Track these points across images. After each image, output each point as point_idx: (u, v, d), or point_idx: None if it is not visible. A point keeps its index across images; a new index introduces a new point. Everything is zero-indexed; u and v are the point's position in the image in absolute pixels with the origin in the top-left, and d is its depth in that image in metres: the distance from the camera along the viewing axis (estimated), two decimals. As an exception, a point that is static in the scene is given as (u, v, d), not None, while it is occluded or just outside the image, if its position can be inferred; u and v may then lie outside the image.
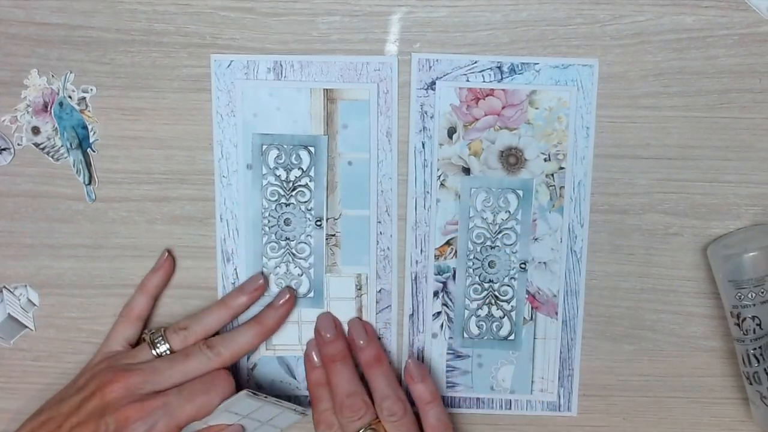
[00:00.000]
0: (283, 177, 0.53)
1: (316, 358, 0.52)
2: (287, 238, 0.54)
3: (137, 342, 0.53)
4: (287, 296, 0.53)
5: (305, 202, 0.53)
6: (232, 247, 0.54)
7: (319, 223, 0.53)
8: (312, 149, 0.53)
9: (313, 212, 0.53)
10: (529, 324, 0.55)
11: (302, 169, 0.53)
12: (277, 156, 0.53)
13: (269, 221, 0.53)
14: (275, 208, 0.53)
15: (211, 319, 0.51)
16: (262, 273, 0.54)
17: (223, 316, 0.52)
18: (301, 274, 0.54)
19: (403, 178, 0.53)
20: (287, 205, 0.53)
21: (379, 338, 0.54)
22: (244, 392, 0.49)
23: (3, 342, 0.55)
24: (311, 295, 0.54)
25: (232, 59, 0.52)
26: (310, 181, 0.53)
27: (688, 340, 0.55)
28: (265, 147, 0.53)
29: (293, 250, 0.54)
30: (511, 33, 0.52)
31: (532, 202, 0.53)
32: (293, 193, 0.53)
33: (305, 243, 0.54)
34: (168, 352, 0.50)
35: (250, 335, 0.51)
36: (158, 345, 0.50)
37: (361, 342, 0.52)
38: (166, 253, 0.53)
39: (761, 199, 0.53)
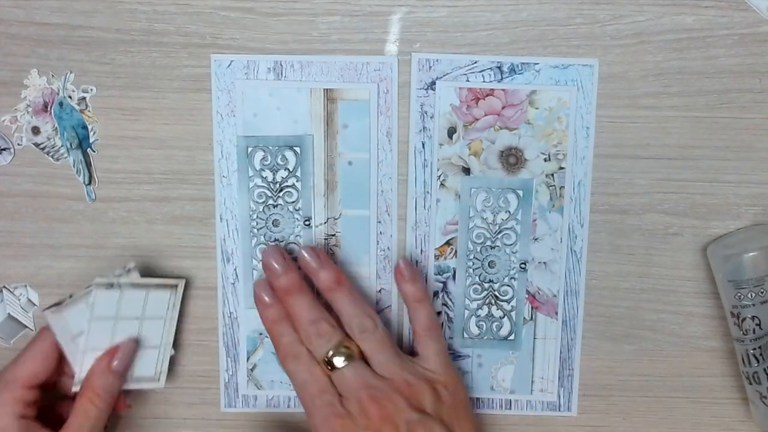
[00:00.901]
0: (270, 178, 0.53)
1: (267, 297, 0.49)
2: (276, 240, 0.54)
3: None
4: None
5: (293, 202, 0.53)
6: (232, 247, 0.54)
7: (307, 222, 0.53)
8: (297, 149, 0.53)
9: (301, 212, 0.53)
10: (529, 324, 0.55)
11: (288, 169, 0.53)
12: (263, 158, 0.53)
13: (257, 223, 0.53)
14: (263, 210, 0.53)
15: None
16: None
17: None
18: None
19: (403, 178, 0.53)
20: (275, 206, 0.53)
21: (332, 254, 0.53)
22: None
23: (3, 342, 0.55)
24: None
25: (232, 59, 0.52)
26: (296, 181, 0.53)
27: (688, 340, 0.55)
28: (250, 149, 0.53)
29: None
30: (511, 33, 0.52)
31: (532, 202, 0.53)
32: (280, 194, 0.53)
33: (294, 243, 0.54)
34: None
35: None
36: None
37: (315, 266, 0.49)
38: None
39: (761, 199, 0.53)
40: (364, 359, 0.48)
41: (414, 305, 0.50)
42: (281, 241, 0.53)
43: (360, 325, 0.48)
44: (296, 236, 0.54)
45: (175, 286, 0.52)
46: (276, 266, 0.49)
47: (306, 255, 0.50)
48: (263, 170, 0.53)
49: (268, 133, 0.53)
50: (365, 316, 0.49)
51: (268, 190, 0.53)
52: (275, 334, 0.49)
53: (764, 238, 0.51)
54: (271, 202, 0.53)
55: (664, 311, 0.55)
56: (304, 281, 0.50)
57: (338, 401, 0.47)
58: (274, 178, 0.53)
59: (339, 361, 0.47)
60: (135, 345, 0.50)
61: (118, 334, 0.50)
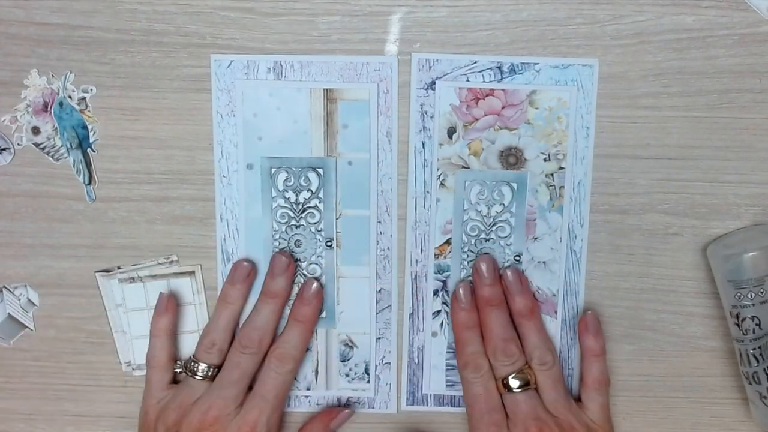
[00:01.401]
0: (293, 199, 0.53)
1: (466, 301, 0.52)
2: (298, 260, 0.54)
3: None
4: (314, 288, 0.52)
5: (315, 223, 0.53)
6: (232, 247, 0.54)
7: (329, 243, 0.53)
8: (320, 171, 0.53)
9: (323, 233, 0.53)
10: (529, 324, 0.55)
11: (311, 190, 0.53)
12: (286, 179, 0.53)
13: (280, 243, 0.53)
14: (285, 230, 0.53)
15: (222, 320, 0.51)
16: (245, 260, 0.53)
17: (231, 313, 0.52)
18: None
19: (403, 178, 0.53)
20: (297, 226, 0.53)
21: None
22: None
23: (3, 342, 0.55)
24: (323, 315, 0.54)
25: (232, 59, 0.52)
26: (319, 202, 0.53)
27: (688, 340, 0.55)
28: (274, 170, 0.53)
29: (304, 272, 0.54)
30: (511, 33, 0.52)
31: (526, 194, 0.53)
32: (303, 214, 0.53)
33: (316, 264, 0.54)
34: (209, 370, 0.51)
35: (297, 334, 0.51)
36: (197, 371, 0.51)
37: (516, 289, 0.52)
38: (166, 297, 0.53)
39: (761, 199, 0.53)
40: (536, 390, 0.51)
41: (591, 359, 0.52)
42: (302, 262, 0.54)
43: (541, 357, 0.51)
44: (318, 257, 0.54)
45: (193, 272, 0.54)
46: (486, 274, 0.52)
47: (510, 276, 0.52)
48: (286, 191, 0.53)
49: (290, 154, 0.53)
50: (547, 350, 0.51)
51: (291, 211, 0.53)
52: (463, 338, 0.51)
53: (764, 238, 0.51)
54: (293, 222, 0.53)
55: (664, 311, 0.55)
56: (505, 298, 0.52)
57: (505, 423, 0.50)
58: (296, 199, 0.53)
59: (515, 384, 0.50)
60: (353, 413, 0.55)
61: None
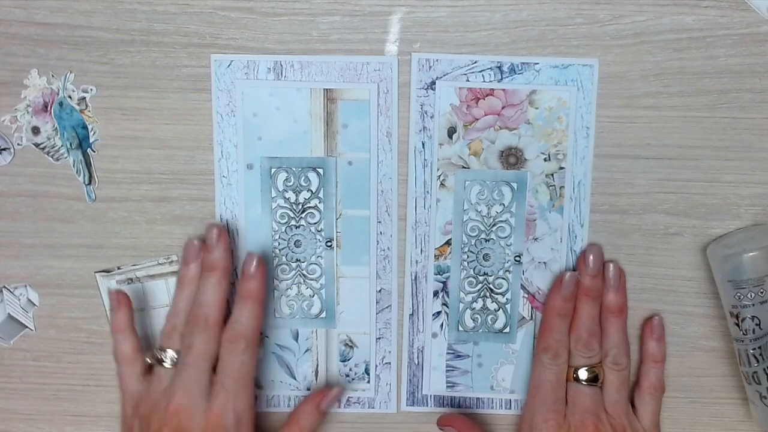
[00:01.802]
0: (293, 199, 0.53)
1: (570, 292, 0.52)
2: (298, 260, 0.54)
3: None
4: (255, 261, 0.50)
5: (315, 223, 0.53)
6: (232, 248, 0.54)
7: (329, 243, 0.53)
8: (320, 171, 0.53)
9: (323, 233, 0.53)
10: (530, 323, 0.55)
11: (311, 191, 0.53)
12: (286, 179, 0.53)
13: (279, 243, 0.54)
14: (285, 231, 0.53)
15: (182, 303, 0.51)
16: (195, 237, 0.52)
17: (190, 294, 0.51)
18: (313, 295, 0.54)
19: (403, 178, 0.53)
20: (297, 227, 0.53)
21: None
22: None
23: (3, 342, 0.55)
24: (323, 315, 0.54)
25: (232, 59, 0.52)
26: (319, 202, 0.53)
27: (688, 340, 0.55)
28: (274, 170, 0.53)
29: (304, 272, 0.54)
30: (511, 33, 0.52)
31: (526, 194, 0.53)
32: (303, 215, 0.53)
33: (316, 264, 0.54)
34: (176, 355, 0.50)
35: (246, 311, 0.50)
36: (165, 358, 0.50)
37: (614, 287, 0.52)
38: (115, 293, 0.52)
39: (761, 199, 0.53)
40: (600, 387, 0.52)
41: (650, 364, 0.53)
42: (302, 262, 0.54)
43: (616, 357, 0.51)
44: (318, 257, 0.54)
45: None
46: (593, 265, 0.52)
47: (611, 270, 0.52)
48: (286, 191, 0.53)
49: (290, 154, 0.53)
50: (624, 352, 0.52)
51: (291, 211, 0.53)
52: (552, 324, 0.52)
53: (764, 238, 0.51)
54: (293, 223, 0.53)
55: (664, 311, 0.55)
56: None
57: (564, 412, 0.51)
58: (296, 199, 0.53)
59: (584, 376, 0.51)
60: (343, 391, 0.55)
61: (153, 321, 0.54)
